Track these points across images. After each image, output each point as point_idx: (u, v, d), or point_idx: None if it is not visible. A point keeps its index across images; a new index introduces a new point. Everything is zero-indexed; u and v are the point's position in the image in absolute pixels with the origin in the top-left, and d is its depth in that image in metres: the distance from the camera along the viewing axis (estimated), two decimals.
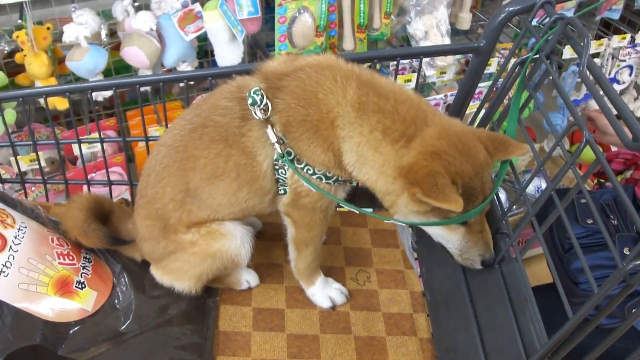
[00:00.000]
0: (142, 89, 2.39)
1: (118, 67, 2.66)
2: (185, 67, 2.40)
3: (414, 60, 2.45)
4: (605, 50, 2.85)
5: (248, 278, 1.73)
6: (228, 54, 2.31)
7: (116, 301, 1.58)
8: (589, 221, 1.79)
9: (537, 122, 3.28)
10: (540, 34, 1.45)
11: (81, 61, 2.26)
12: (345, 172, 1.39)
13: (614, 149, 2.77)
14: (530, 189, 2.89)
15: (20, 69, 2.40)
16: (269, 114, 1.35)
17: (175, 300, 1.62)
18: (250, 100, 1.34)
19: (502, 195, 2.69)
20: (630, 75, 2.98)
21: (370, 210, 1.41)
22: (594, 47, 2.81)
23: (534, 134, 2.97)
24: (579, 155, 1.20)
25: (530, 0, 1.51)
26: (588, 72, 1.21)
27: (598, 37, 2.91)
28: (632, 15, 3.12)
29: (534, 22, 1.55)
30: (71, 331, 1.49)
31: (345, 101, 1.32)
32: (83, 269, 1.59)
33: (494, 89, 1.77)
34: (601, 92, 1.17)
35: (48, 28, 2.32)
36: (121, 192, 2.46)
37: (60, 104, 2.36)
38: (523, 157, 2.86)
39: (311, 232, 1.56)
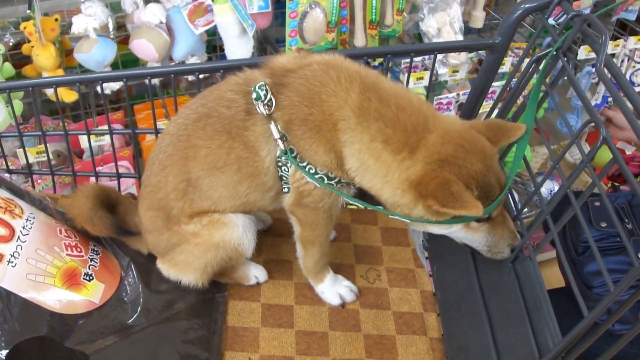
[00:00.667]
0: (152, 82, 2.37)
1: (125, 61, 2.64)
2: (194, 61, 2.38)
3: (426, 58, 2.43)
4: (620, 51, 2.82)
5: (256, 273, 1.71)
6: (238, 48, 2.29)
7: (124, 294, 1.56)
8: (603, 224, 1.77)
9: (550, 124, 3.25)
10: (556, 32, 1.43)
11: (89, 53, 2.24)
12: (348, 176, 1.37)
13: (628, 152, 2.75)
14: (543, 191, 2.86)
15: (26, 60, 2.38)
16: (272, 109, 1.34)
17: (183, 295, 1.61)
18: (254, 95, 1.33)
19: (516, 196, 2.67)
20: None
21: (381, 207, 1.39)
22: (609, 47, 2.78)
23: (547, 137, 2.95)
24: (595, 153, 1.18)
25: None
26: (606, 70, 1.19)
27: (614, 38, 2.88)
28: None
29: (550, 21, 1.54)
30: (78, 323, 1.47)
31: (347, 105, 1.31)
32: (91, 261, 1.57)
33: (507, 88, 1.75)
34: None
35: (56, 19, 2.31)
36: (128, 187, 2.44)
37: (67, 96, 2.34)
38: (535, 156, 2.85)
39: (315, 231, 1.54)
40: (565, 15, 1.43)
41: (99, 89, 1.74)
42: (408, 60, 2.46)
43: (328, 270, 1.68)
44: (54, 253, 1.51)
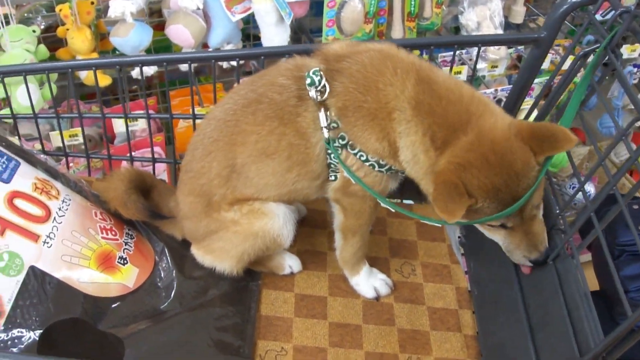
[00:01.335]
0: (184, 68, 2.36)
1: (157, 48, 2.62)
2: (230, 49, 2.36)
3: (463, 52, 2.39)
4: None
5: (291, 263, 1.70)
6: (275, 36, 2.26)
7: (158, 279, 1.56)
8: None
9: (587, 124, 3.18)
10: (605, 27, 1.40)
11: (126, 37, 2.22)
12: (400, 165, 1.37)
13: None
14: (579, 196, 2.81)
15: (58, 44, 2.37)
16: (325, 95, 1.33)
17: (217, 282, 1.60)
18: (308, 80, 1.33)
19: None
20: None
21: (411, 202, 1.40)
22: None
23: (583, 137, 2.90)
24: None
25: None
26: None
27: None
28: None
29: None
30: (112, 307, 1.46)
31: (403, 96, 1.31)
32: (125, 245, 1.56)
33: (552, 84, 1.71)
34: None
35: (92, 3, 2.30)
36: (159, 174, 2.43)
37: (101, 80, 2.32)
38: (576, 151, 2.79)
39: (360, 219, 1.53)
40: (613, 12, 1.41)
41: (133, 73, 1.73)
42: (445, 54, 2.44)
43: (364, 262, 1.66)
44: (89, 235, 1.50)
